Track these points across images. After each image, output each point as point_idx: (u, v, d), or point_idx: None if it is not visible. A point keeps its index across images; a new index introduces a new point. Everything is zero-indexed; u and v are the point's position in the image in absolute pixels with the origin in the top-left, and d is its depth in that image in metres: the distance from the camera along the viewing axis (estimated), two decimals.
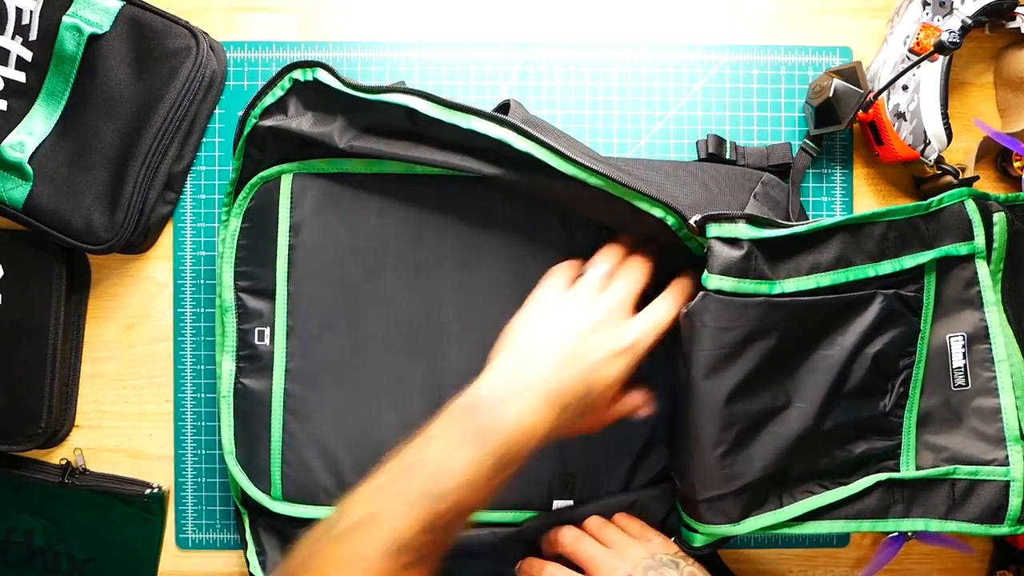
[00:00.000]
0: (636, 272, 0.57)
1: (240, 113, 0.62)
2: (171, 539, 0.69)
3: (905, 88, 0.64)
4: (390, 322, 0.62)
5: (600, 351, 0.52)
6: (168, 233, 0.69)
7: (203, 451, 0.68)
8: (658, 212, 0.56)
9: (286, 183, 0.62)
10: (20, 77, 0.62)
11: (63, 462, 0.68)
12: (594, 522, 0.60)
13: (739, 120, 0.69)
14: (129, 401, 0.69)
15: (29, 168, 0.61)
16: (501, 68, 0.69)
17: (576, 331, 0.53)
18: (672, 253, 0.61)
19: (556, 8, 0.70)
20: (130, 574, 0.68)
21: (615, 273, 0.57)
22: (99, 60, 0.62)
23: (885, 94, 0.64)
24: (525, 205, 0.62)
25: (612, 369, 0.52)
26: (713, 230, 0.54)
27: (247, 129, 0.61)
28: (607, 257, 0.58)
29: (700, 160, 0.67)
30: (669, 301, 0.56)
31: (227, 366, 0.63)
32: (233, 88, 0.68)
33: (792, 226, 0.55)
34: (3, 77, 0.62)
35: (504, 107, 0.61)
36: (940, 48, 0.56)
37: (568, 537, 0.58)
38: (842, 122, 0.63)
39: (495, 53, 0.69)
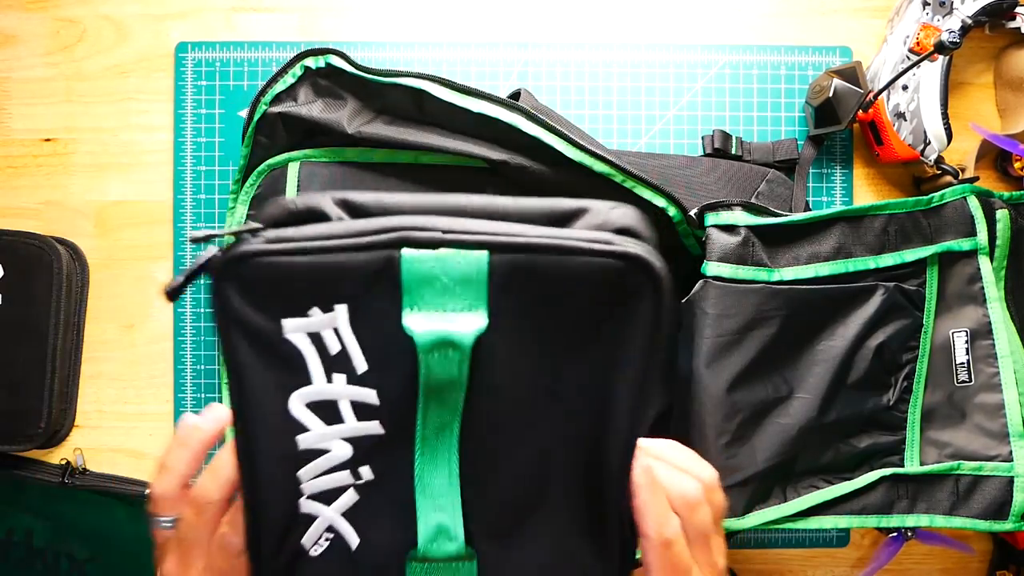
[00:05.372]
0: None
1: (241, 113, 0.62)
2: None
3: (905, 88, 0.64)
4: None
5: None
6: (168, 233, 0.69)
7: None
8: (661, 202, 0.56)
9: (293, 170, 0.62)
10: None
11: (63, 462, 0.68)
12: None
13: (739, 120, 0.69)
14: (129, 401, 0.69)
15: None
16: (501, 68, 0.69)
17: None
18: (669, 255, 0.61)
19: (556, 8, 0.70)
20: (130, 574, 0.68)
21: None
22: None
23: (885, 94, 0.64)
24: (528, 197, 0.62)
25: None
26: (711, 219, 0.55)
27: (257, 115, 0.62)
28: None
29: (705, 155, 0.67)
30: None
31: None
32: (233, 88, 0.68)
33: (789, 215, 0.56)
34: None
35: (516, 96, 0.62)
36: (940, 48, 0.56)
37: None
38: (842, 122, 0.64)
39: (495, 53, 0.69)
